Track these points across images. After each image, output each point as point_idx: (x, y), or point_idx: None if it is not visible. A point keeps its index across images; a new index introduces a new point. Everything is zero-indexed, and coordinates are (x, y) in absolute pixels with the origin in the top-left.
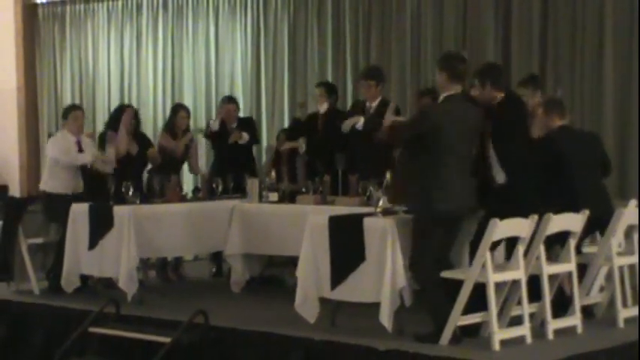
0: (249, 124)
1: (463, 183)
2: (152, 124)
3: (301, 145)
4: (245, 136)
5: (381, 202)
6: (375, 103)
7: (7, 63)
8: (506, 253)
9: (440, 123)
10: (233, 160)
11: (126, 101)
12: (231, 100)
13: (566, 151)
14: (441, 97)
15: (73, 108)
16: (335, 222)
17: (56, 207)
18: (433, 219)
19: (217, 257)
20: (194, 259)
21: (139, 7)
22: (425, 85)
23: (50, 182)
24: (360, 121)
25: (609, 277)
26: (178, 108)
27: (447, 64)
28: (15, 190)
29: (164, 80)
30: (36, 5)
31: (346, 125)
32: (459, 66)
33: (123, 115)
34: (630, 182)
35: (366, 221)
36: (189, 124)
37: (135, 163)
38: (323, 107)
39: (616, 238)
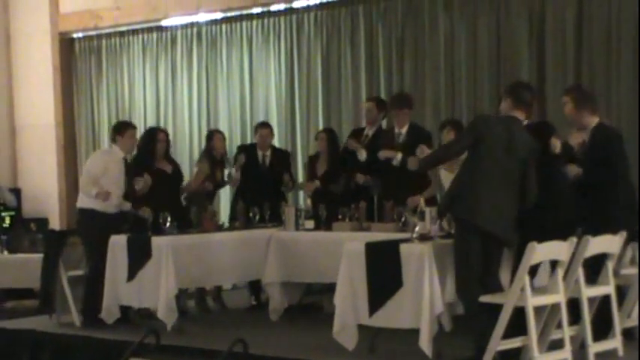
0: (285, 160)
1: (502, 204)
2: (188, 155)
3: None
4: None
5: (417, 228)
6: (404, 129)
7: (46, 98)
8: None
9: (482, 134)
10: (261, 189)
11: None
12: (263, 125)
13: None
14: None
15: (131, 126)
16: (371, 248)
17: (84, 223)
18: (464, 228)
19: (255, 286)
20: (232, 288)
21: (173, 39)
22: (460, 111)
23: (81, 197)
24: (397, 157)
25: None
26: (214, 132)
27: (512, 90)
28: (55, 223)
29: (199, 111)
30: (72, 40)
31: (381, 155)
32: (524, 93)
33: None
34: None
35: (403, 247)
36: (226, 150)
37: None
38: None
39: None
